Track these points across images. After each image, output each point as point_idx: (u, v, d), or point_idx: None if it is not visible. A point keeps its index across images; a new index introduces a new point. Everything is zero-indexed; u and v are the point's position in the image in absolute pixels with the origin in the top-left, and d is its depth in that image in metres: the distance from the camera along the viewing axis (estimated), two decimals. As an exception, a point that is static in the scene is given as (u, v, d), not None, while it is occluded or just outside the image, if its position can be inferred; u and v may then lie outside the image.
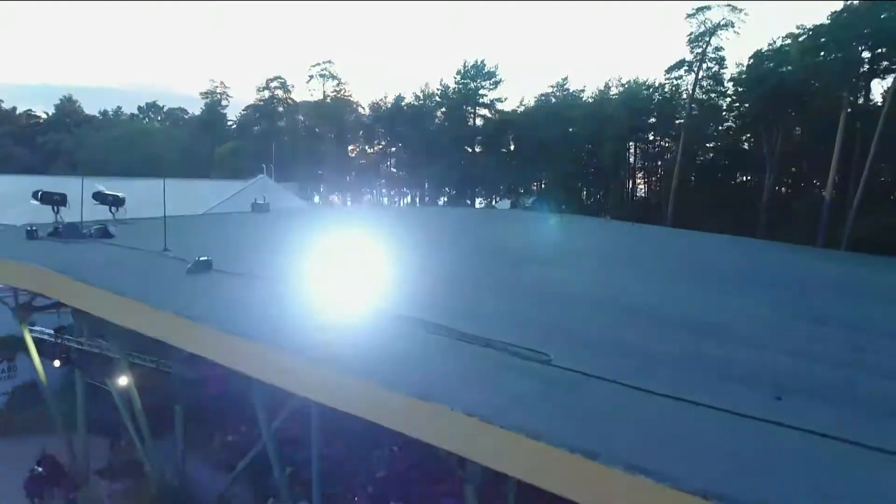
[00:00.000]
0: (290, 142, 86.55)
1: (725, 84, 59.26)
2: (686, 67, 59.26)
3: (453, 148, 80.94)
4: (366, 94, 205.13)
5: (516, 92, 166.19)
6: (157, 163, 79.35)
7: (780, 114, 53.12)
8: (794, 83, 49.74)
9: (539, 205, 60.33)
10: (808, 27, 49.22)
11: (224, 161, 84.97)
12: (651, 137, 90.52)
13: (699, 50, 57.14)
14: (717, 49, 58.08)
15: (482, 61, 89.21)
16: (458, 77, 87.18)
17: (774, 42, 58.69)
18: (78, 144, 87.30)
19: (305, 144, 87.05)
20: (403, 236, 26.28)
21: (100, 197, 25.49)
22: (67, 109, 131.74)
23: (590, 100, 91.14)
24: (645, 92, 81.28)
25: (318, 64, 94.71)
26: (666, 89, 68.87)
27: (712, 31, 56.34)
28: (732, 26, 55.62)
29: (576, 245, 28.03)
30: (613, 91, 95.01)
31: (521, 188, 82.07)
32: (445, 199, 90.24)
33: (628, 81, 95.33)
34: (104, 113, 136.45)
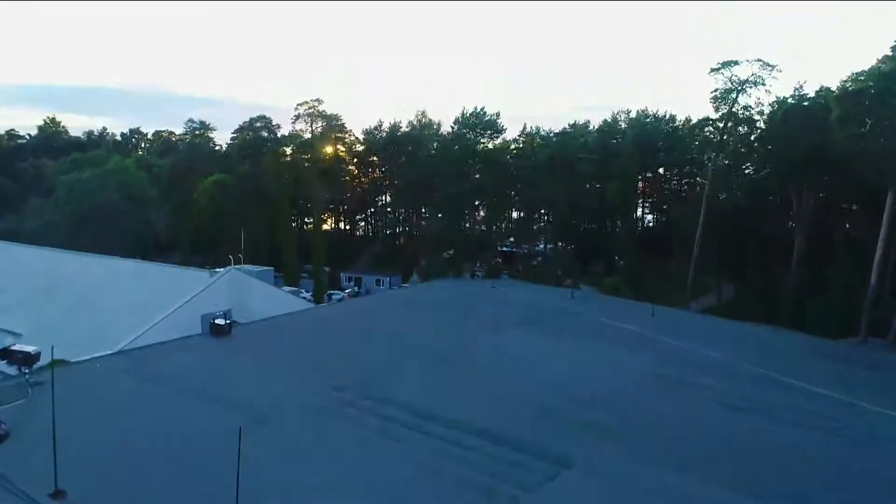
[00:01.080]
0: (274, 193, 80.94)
1: (753, 141, 52.83)
2: (710, 127, 52.72)
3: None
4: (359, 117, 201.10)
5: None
6: (136, 200, 74.56)
7: (813, 176, 47.98)
8: (831, 150, 44.14)
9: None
10: (847, 80, 43.92)
11: (205, 199, 79.58)
12: (667, 174, 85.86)
13: (725, 109, 50.60)
14: (746, 108, 51.69)
15: (482, 109, 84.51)
16: (456, 127, 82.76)
17: (803, 93, 53.42)
18: (56, 175, 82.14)
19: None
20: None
21: (7, 355, 20.93)
22: (51, 132, 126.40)
23: (596, 131, 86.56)
24: (664, 127, 76.33)
25: (306, 102, 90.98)
26: (691, 141, 63.58)
27: (739, 90, 50.40)
28: (763, 83, 49.66)
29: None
30: (623, 123, 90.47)
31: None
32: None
33: (641, 114, 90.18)
34: (89, 134, 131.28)
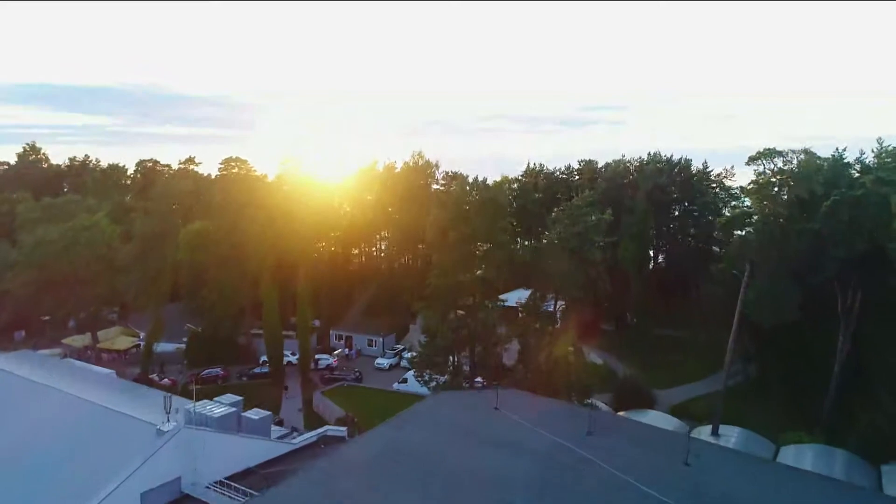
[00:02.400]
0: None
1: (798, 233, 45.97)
2: (748, 223, 45.54)
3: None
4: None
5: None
6: (105, 261, 68.38)
7: (866, 273, 42.16)
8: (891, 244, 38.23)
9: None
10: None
11: (186, 251, 73.24)
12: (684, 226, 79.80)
13: (764, 203, 43.79)
14: (790, 204, 44.26)
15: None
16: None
17: (843, 157, 47.64)
18: (25, 223, 75.41)
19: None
20: None
21: None
22: (30, 160, 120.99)
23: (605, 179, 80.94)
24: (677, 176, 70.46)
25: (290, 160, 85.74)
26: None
27: (782, 182, 43.99)
28: (808, 178, 42.97)
29: None
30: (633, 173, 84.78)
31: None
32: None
33: (653, 159, 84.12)
34: (72, 162, 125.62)
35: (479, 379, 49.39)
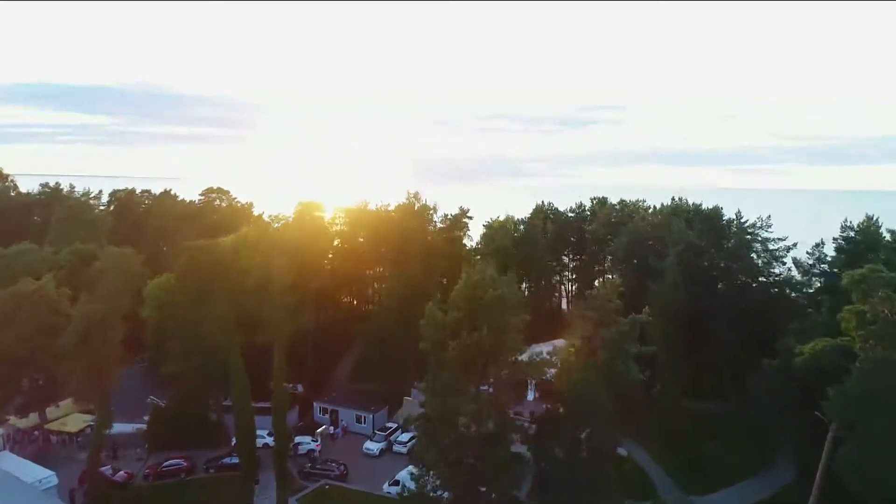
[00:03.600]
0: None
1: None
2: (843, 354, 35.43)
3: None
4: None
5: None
6: (52, 331, 59.08)
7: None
8: None
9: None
10: None
11: (151, 308, 63.93)
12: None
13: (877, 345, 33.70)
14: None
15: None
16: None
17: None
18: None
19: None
20: None
21: None
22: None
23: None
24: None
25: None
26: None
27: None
28: None
29: None
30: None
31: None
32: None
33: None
34: (44, 187, 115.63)
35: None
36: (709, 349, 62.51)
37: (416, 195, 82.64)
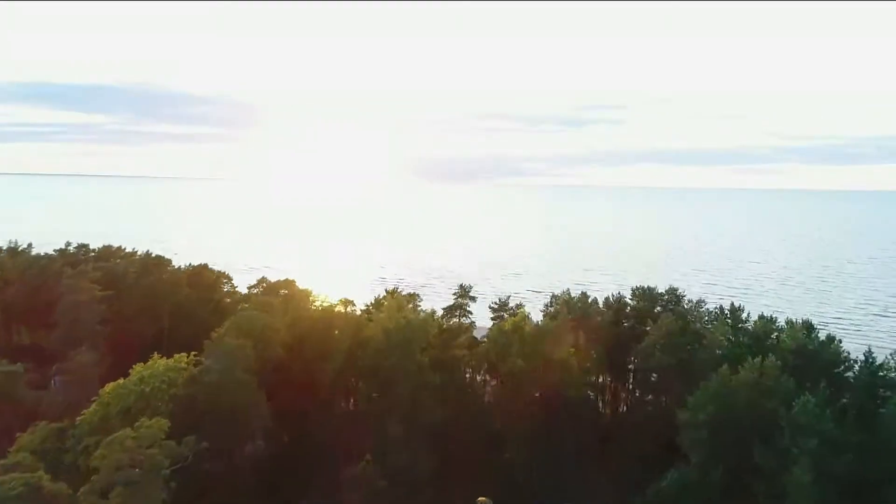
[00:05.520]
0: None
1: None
2: None
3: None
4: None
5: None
6: None
7: None
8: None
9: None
10: None
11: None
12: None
13: None
14: None
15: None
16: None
17: None
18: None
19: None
20: None
21: None
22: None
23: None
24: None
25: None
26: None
27: None
28: None
29: None
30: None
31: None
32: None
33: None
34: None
35: None
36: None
37: (394, 291, 70.13)
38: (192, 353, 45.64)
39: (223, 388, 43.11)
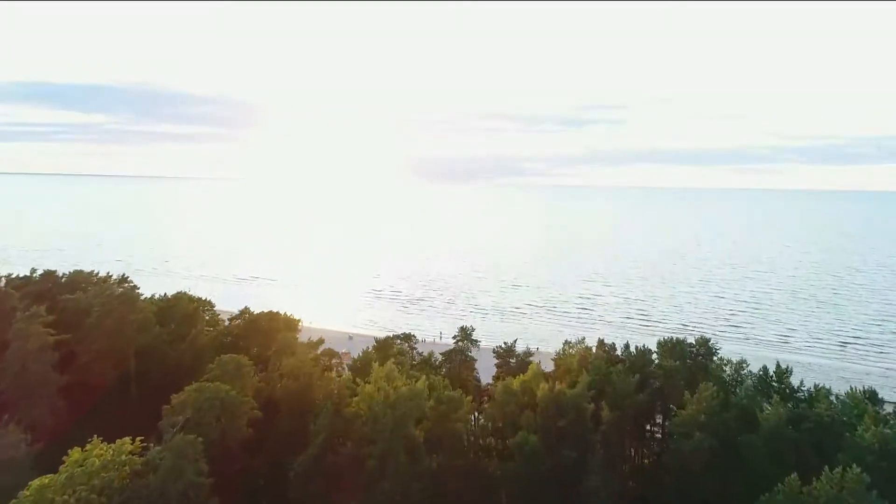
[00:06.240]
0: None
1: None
2: None
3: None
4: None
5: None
6: None
7: None
8: None
9: None
10: None
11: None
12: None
13: None
14: None
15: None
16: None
17: None
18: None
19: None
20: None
21: None
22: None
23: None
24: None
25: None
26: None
27: None
28: None
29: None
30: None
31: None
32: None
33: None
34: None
35: None
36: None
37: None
38: (139, 438, 38.21)
39: (167, 498, 35.91)
